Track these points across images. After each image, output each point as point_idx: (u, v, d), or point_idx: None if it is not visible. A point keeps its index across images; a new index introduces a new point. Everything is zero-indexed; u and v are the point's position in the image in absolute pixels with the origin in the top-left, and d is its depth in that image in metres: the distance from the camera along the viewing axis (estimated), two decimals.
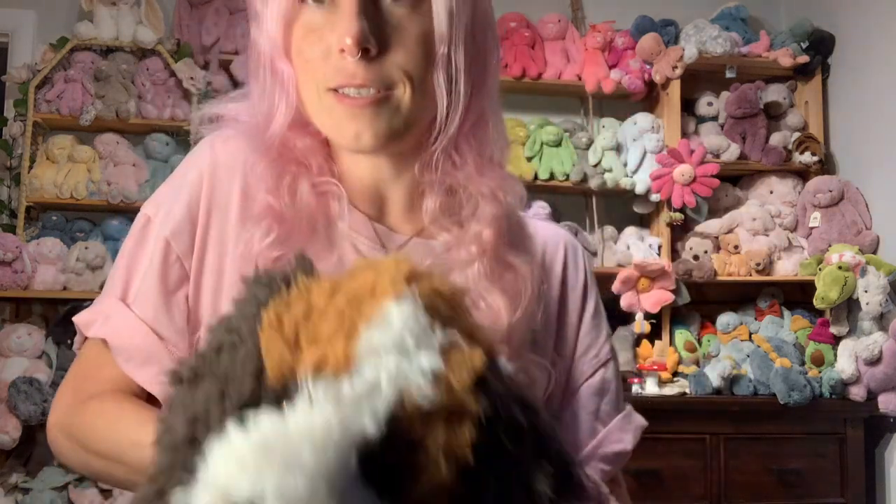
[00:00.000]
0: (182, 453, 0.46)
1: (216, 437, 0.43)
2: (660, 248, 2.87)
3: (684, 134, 2.94)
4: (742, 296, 2.94)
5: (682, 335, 2.80)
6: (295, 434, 0.42)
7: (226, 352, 0.50)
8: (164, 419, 0.49)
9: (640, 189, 2.87)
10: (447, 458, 0.44)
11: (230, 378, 0.48)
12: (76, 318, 0.83)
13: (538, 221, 0.92)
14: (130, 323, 0.78)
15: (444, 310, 0.49)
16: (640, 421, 0.92)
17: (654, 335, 2.80)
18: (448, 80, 0.76)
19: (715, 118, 3.03)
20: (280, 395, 0.45)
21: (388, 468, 0.43)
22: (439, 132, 0.78)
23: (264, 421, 0.43)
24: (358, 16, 0.71)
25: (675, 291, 2.75)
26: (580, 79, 2.96)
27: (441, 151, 0.78)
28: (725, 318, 2.84)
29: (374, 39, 0.72)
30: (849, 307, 2.59)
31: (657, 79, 2.92)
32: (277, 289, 0.51)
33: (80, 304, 2.58)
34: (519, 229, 0.86)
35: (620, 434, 0.88)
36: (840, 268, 2.52)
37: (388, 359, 0.44)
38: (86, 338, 0.83)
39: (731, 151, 2.92)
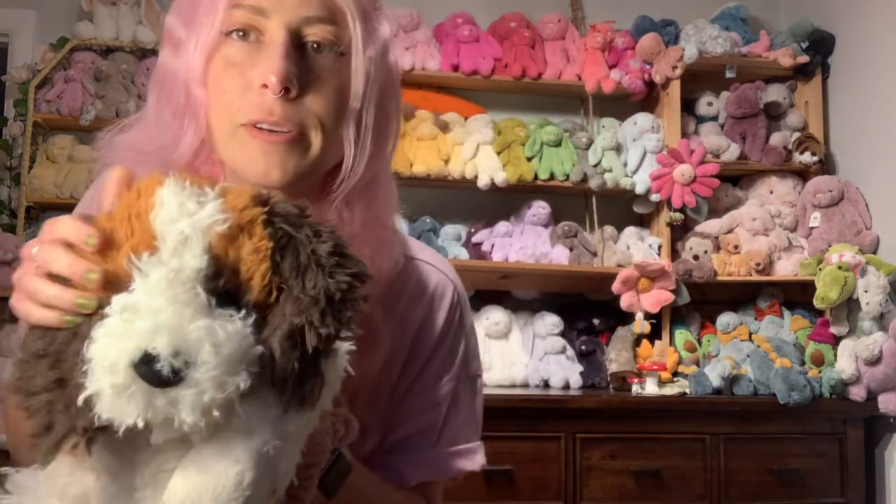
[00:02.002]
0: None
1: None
2: (660, 248, 2.87)
3: (684, 134, 2.94)
4: (742, 296, 2.94)
5: (682, 335, 2.80)
6: (138, 297, 0.55)
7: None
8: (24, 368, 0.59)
9: (640, 189, 2.87)
10: (260, 258, 0.58)
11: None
12: None
13: (424, 264, 0.93)
14: None
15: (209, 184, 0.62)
16: (452, 464, 0.91)
17: (654, 335, 2.81)
18: (356, 135, 0.80)
19: (715, 118, 3.03)
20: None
21: (230, 290, 0.58)
22: (341, 182, 0.81)
23: (114, 303, 0.55)
24: (285, 56, 0.75)
25: (675, 291, 2.75)
26: (580, 79, 2.96)
27: (339, 202, 0.81)
28: (725, 318, 2.84)
29: (297, 81, 0.75)
30: (849, 307, 2.59)
31: (657, 79, 2.92)
32: None
33: None
34: (398, 279, 0.87)
35: (403, 466, 0.88)
36: (840, 268, 2.52)
37: (181, 218, 0.57)
38: None
39: (731, 151, 2.92)
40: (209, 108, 0.78)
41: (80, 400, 0.55)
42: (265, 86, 0.74)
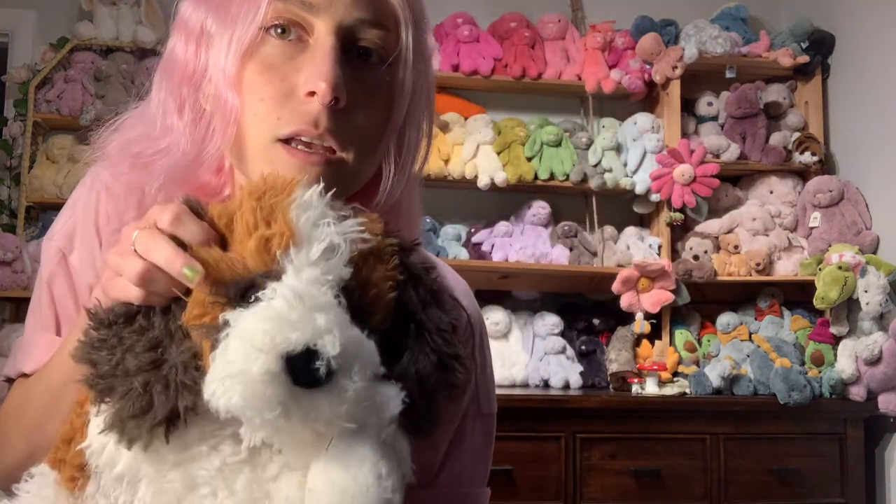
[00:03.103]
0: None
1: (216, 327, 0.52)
2: (660, 248, 2.87)
3: (684, 134, 2.94)
4: (742, 296, 2.94)
5: (682, 335, 2.80)
6: (305, 288, 0.52)
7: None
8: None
9: (640, 189, 2.87)
10: (388, 286, 0.57)
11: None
12: (24, 369, 0.78)
13: (449, 295, 0.86)
14: None
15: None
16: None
17: (654, 335, 2.81)
18: (397, 153, 0.74)
19: (715, 118, 3.03)
20: (249, 288, 0.53)
21: (358, 307, 0.55)
22: (377, 205, 0.74)
23: (277, 288, 0.51)
24: (337, 60, 0.67)
25: (675, 291, 2.75)
26: (580, 79, 2.96)
27: None
28: (725, 318, 2.84)
29: (345, 91, 0.67)
30: (849, 307, 2.59)
31: (657, 79, 2.92)
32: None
33: None
34: None
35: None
36: (840, 268, 2.52)
37: (326, 224, 0.55)
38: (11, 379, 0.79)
39: (731, 151, 2.92)
40: (241, 116, 0.69)
41: (205, 376, 0.51)
42: (312, 93, 0.66)
